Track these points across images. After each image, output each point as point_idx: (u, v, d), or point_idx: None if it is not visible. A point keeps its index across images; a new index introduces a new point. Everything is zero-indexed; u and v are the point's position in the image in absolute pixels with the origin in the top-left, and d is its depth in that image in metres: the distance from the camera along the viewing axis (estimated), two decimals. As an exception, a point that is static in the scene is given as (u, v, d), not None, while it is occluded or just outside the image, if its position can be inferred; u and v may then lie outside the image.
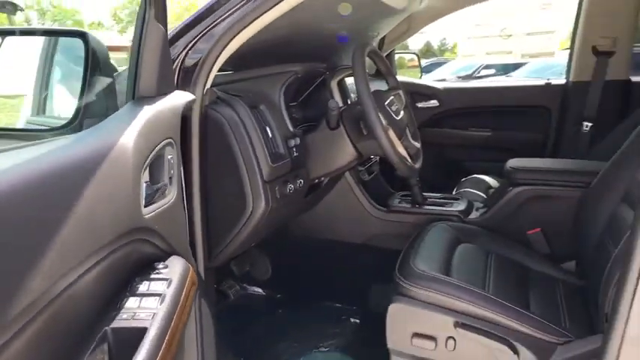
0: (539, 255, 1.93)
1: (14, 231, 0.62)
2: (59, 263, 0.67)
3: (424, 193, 2.22)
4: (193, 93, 1.36)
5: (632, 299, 1.12)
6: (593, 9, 2.42)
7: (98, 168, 0.76)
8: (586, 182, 1.84)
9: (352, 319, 2.02)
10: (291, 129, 1.64)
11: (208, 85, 1.40)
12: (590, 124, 2.53)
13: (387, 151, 1.55)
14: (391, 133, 1.60)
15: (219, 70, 1.40)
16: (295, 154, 1.60)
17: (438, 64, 14.29)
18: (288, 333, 1.92)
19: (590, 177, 1.82)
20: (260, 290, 2.25)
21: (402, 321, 1.53)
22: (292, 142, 1.60)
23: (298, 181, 1.62)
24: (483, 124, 2.84)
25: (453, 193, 2.49)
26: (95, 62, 1.22)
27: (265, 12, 1.34)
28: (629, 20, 2.41)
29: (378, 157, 2.39)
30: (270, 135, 1.51)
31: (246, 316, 2.06)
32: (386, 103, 1.66)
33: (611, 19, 2.39)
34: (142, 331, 0.73)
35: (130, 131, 0.90)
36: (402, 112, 1.72)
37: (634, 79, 2.52)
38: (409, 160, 1.66)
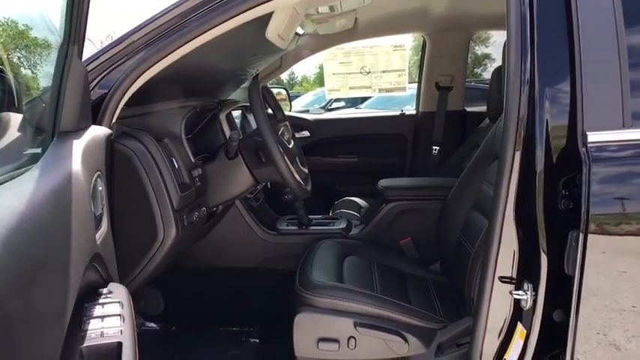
0: (411, 260, 2.24)
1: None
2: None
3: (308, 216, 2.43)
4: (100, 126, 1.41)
5: (492, 285, 1.43)
6: (435, 52, 2.90)
7: (64, 199, 0.82)
8: (444, 195, 2.20)
9: (252, 340, 2.13)
10: (192, 160, 1.74)
11: (114, 119, 1.46)
12: (437, 148, 2.98)
13: (285, 176, 1.72)
14: (286, 160, 1.78)
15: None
16: (198, 184, 1.70)
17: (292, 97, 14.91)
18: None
19: (446, 191, 2.19)
20: (153, 325, 2.25)
21: (308, 329, 1.69)
22: (195, 172, 1.70)
23: (202, 209, 1.72)
24: (350, 151, 3.17)
25: (330, 214, 2.75)
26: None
27: (171, 52, 1.45)
28: (462, 62, 2.93)
29: (262, 185, 2.56)
30: (177, 166, 1.60)
31: (144, 352, 2.04)
32: (279, 132, 1.84)
33: (448, 60, 2.89)
34: (118, 346, 0.80)
35: (76, 163, 0.96)
36: (292, 142, 1.92)
37: (468, 109, 3.04)
38: (302, 183, 1.86)
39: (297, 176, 1.79)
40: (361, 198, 2.93)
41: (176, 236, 1.54)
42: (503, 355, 1.44)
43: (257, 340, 2.12)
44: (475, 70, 13.02)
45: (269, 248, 2.29)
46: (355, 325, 1.66)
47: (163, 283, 2.27)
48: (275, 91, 4.02)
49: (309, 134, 3.16)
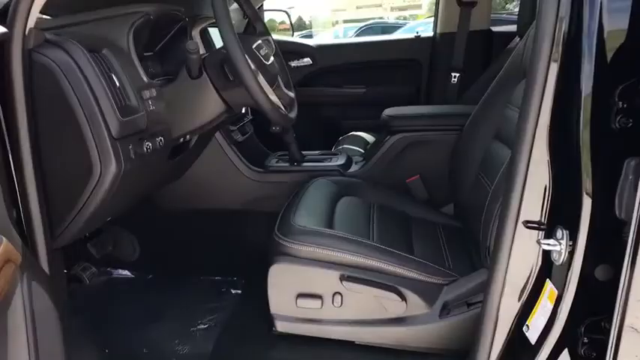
0: (419, 201, 1.91)
1: None
2: None
3: (302, 152, 2.11)
4: (10, 32, 1.09)
5: (514, 232, 1.10)
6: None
7: None
8: (459, 125, 1.84)
9: (233, 291, 1.87)
10: (145, 79, 1.40)
11: (31, 25, 1.14)
12: (457, 75, 2.57)
13: (256, 98, 1.38)
14: (261, 79, 1.44)
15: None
16: (152, 108, 1.38)
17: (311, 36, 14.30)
18: (161, 315, 1.72)
19: (462, 119, 1.83)
20: (128, 273, 2.00)
21: (285, 282, 1.40)
22: (147, 94, 1.37)
23: (157, 140, 1.40)
24: (357, 81, 2.78)
25: (332, 151, 2.41)
26: None
27: None
28: (489, -31, 2.47)
29: (251, 116, 2.23)
30: (118, 84, 1.28)
31: (113, 302, 1.81)
32: (253, 46, 1.49)
33: (472, -32, 2.43)
34: None
35: None
36: (272, 58, 1.56)
37: (494, 29, 2.60)
38: (283, 109, 1.52)
39: (273, 99, 1.44)
40: (369, 133, 2.58)
41: (117, 171, 1.24)
42: (526, 321, 1.13)
43: (239, 292, 1.86)
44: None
45: (255, 188, 1.99)
46: (341, 278, 1.36)
47: (139, 227, 2.01)
48: (278, 20, 3.61)
49: (311, 62, 2.77)
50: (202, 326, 1.67)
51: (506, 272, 1.12)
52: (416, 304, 1.36)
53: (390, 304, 1.35)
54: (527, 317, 1.14)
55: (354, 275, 1.36)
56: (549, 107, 0.99)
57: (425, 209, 1.85)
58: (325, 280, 1.38)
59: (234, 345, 1.53)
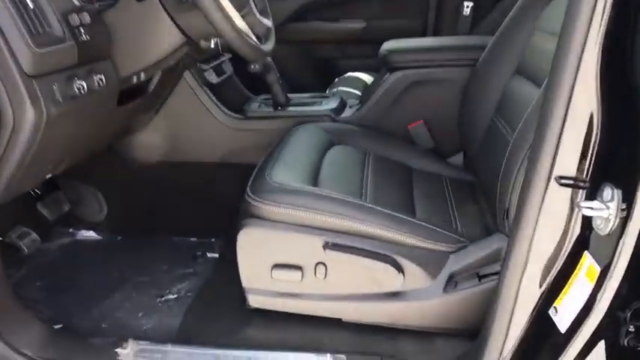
0: (423, 151, 1.64)
1: None
2: None
3: (289, 95, 1.82)
4: None
5: (545, 189, 0.84)
6: None
7: None
8: (471, 59, 1.54)
9: (209, 254, 1.64)
10: (75, 1, 1.12)
11: None
12: (470, 4, 2.24)
13: (215, 22, 1.10)
14: (224, 1, 1.14)
15: None
16: (84, 38, 1.10)
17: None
18: (127, 282, 1.50)
19: (475, 52, 1.53)
20: (93, 234, 1.78)
21: (257, 251, 1.16)
22: (76, 20, 1.08)
23: (96, 79, 1.13)
24: (356, 14, 2.44)
25: (326, 93, 2.12)
26: None
27: None
28: None
29: (229, 54, 1.93)
30: (32, 5, 0.99)
31: (73, 268, 1.60)
32: None
33: None
34: None
35: None
36: None
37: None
38: (254, 39, 1.23)
39: (240, 25, 1.16)
40: (368, 73, 2.28)
41: (37, 117, 0.98)
42: (553, 302, 0.90)
43: (215, 256, 1.64)
44: None
45: (234, 137, 1.73)
46: (325, 246, 1.12)
47: (105, 183, 1.77)
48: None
49: (302, -8, 2.44)
50: (171, 296, 1.44)
51: (531, 240, 0.87)
52: (416, 277, 1.12)
53: (384, 276, 1.11)
54: (556, 298, 0.90)
55: (340, 243, 1.12)
56: (601, 27, 0.72)
57: (429, 160, 1.59)
58: (306, 248, 1.14)
59: (205, 320, 1.31)
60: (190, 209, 1.76)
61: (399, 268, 1.10)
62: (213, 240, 1.73)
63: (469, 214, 1.31)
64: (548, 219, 0.87)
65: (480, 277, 1.11)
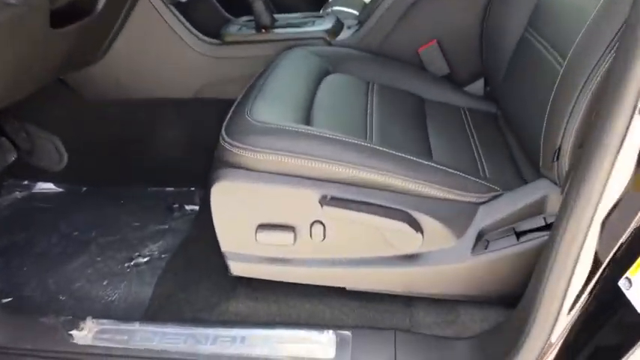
0: (435, 78, 1.37)
1: None
2: None
3: (275, 15, 1.52)
4: None
5: (629, 121, 0.60)
6: None
7: None
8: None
9: (188, 207, 1.41)
10: None
11: None
12: None
13: None
14: None
15: None
16: None
17: None
18: (89, 243, 1.28)
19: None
20: (52, 186, 1.53)
21: (237, 208, 0.93)
22: None
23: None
24: None
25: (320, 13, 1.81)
26: None
27: None
28: None
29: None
30: None
31: (28, 227, 1.37)
32: None
33: None
34: None
35: None
36: None
37: None
38: None
39: None
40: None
41: None
42: (626, 269, 0.68)
43: (195, 208, 1.41)
44: None
45: (210, 67, 1.45)
46: (323, 201, 0.88)
47: (63, 126, 1.51)
48: None
49: None
50: (142, 260, 1.23)
51: (603, 189, 0.64)
52: (437, 235, 0.89)
53: (397, 237, 0.88)
54: (631, 265, 0.68)
55: (341, 196, 0.88)
56: None
57: (444, 89, 1.33)
58: (298, 204, 0.90)
59: (181, 289, 1.10)
60: (164, 154, 1.51)
61: (417, 226, 0.87)
62: (192, 189, 1.50)
63: (497, 154, 1.07)
64: (625, 162, 0.63)
65: (518, 235, 0.88)
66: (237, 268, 0.98)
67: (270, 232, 0.91)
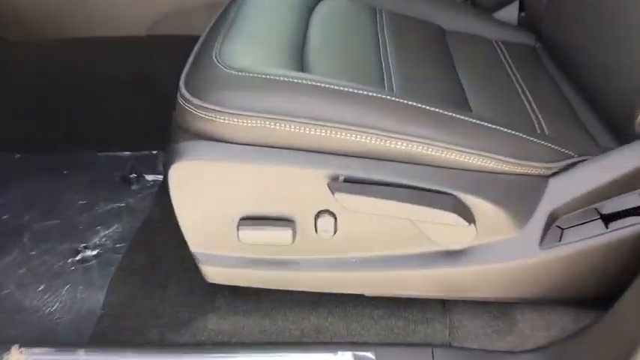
0: (456, 2, 1.08)
1: None
2: None
3: None
4: None
5: None
6: None
7: None
8: None
9: (149, 177, 1.12)
10: None
11: None
12: None
13: None
14: None
15: None
16: None
17: None
18: (22, 231, 0.99)
19: None
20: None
21: (208, 196, 0.65)
22: None
23: None
24: None
25: None
26: None
27: None
28: None
29: None
30: None
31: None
32: None
33: None
34: None
35: None
36: None
37: None
38: None
39: None
40: None
41: None
42: None
43: (158, 178, 1.11)
44: None
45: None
46: (333, 184, 0.61)
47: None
48: None
49: None
50: (90, 253, 0.95)
51: None
52: (494, 224, 0.63)
53: (440, 230, 0.62)
54: None
55: (359, 176, 0.61)
56: None
57: (468, 16, 1.03)
58: (298, 190, 0.63)
59: (142, 296, 0.83)
60: (115, 109, 1.21)
61: (468, 215, 0.61)
62: (153, 152, 1.20)
63: (553, 104, 0.81)
64: None
65: (607, 219, 0.63)
66: (213, 275, 0.71)
67: (258, 229, 0.65)
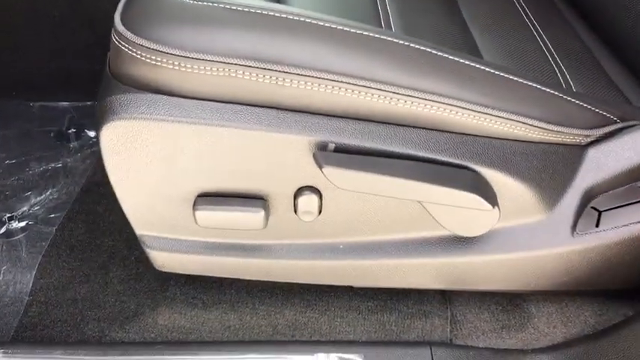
0: None
1: None
2: None
3: None
4: None
5: None
6: None
7: None
8: None
9: (90, 132, 0.94)
10: None
11: None
12: None
13: None
14: None
15: None
16: None
17: None
18: None
19: None
20: None
21: (156, 166, 0.50)
22: None
23: None
24: None
25: None
26: None
27: None
28: None
29: None
30: None
31: None
32: None
33: None
34: None
35: None
36: None
37: None
38: None
39: None
40: None
41: None
42: None
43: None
44: None
45: None
46: (320, 154, 0.46)
47: None
48: None
49: None
50: (16, 225, 0.78)
51: None
52: (518, 205, 0.51)
53: (453, 213, 0.49)
54: None
55: (354, 144, 0.46)
56: None
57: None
58: (273, 160, 0.48)
59: (78, 281, 0.68)
60: (50, 51, 1.01)
61: (489, 194, 0.48)
62: (95, 103, 1.02)
63: (579, 59, 0.67)
64: None
65: (655, 202, 0.51)
66: (164, 262, 0.57)
67: (221, 209, 0.50)
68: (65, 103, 1.03)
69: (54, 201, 0.83)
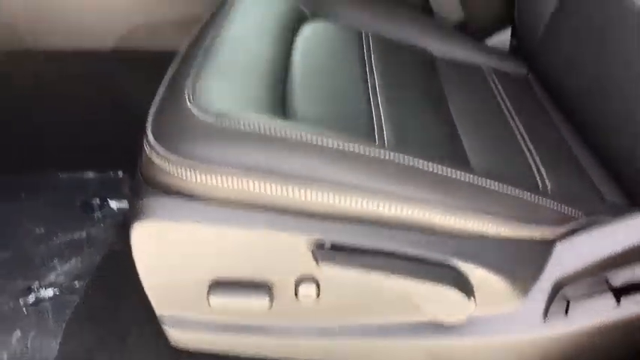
0: (446, 28, 1.01)
1: None
2: None
3: None
4: None
5: None
6: None
7: None
8: None
9: (113, 203, 1.03)
10: None
11: None
12: None
13: None
14: None
15: None
16: None
17: None
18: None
19: None
20: None
21: (176, 258, 0.57)
22: None
23: None
24: None
25: None
26: None
27: None
28: None
29: None
30: None
31: None
32: None
33: None
34: None
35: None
36: None
37: None
38: None
39: None
40: None
41: None
42: None
43: (122, 205, 1.03)
44: None
45: (138, 5, 1.03)
46: (318, 251, 0.54)
47: None
48: None
49: None
50: (45, 294, 0.86)
51: None
52: (493, 295, 0.57)
53: (435, 303, 0.56)
54: None
55: (347, 242, 0.54)
56: None
57: (458, 42, 0.97)
58: (277, 255, 0.55)
59: (98, 347, 0.75)
60: (78, 126, 1.11)
61: (466, 287, 0.55)
62: (120, 174, 1.11)
63: (553, 148, 0.75)
64: None
65: (618, 294, 0.58)
66: (180, 339, 0.64)
67: (231, 295, 0.57)
68: (90, 174, 1.12)
69: (78, 269, 0.90)
